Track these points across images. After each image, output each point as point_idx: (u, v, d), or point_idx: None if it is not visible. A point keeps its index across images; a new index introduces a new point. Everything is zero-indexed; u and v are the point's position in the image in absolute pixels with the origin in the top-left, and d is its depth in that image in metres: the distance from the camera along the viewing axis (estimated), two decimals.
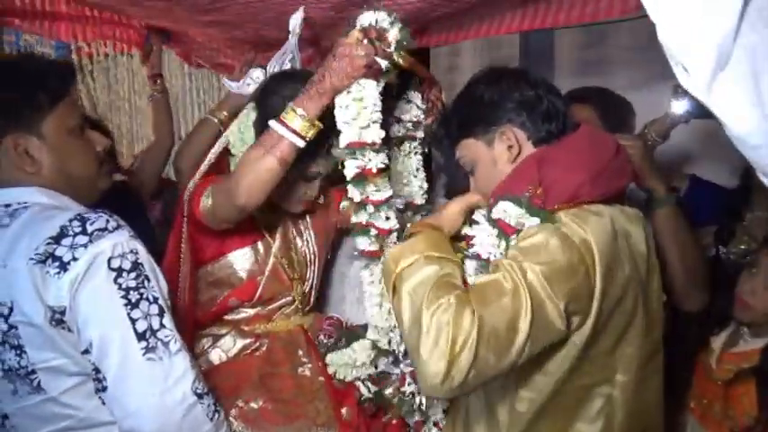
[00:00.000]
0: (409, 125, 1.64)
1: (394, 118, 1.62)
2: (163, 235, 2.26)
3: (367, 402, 1.53)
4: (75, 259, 1.11)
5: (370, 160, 1.32)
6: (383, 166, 1.34)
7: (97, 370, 1.15)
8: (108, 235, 1.14)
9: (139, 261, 1.17)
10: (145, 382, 1.14)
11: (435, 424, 1.50)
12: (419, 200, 1.69)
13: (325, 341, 1.65)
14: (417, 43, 2.16)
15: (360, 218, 1.38)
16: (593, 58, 3.02)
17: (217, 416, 1.22)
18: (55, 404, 1.18)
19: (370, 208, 1.36)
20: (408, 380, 1.43)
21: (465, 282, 1.15)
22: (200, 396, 1.19)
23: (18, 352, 1.15)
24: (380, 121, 1.33)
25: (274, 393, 1.50)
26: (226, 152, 1.60)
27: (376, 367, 1.52)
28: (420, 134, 1.67)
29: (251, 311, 1.61)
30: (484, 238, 1.18)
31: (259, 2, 1.68)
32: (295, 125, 1.29)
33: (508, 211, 1.16)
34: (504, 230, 1.15)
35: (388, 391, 1.47)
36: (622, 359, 1.19)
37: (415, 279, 1.10)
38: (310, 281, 1.69)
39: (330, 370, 1.54)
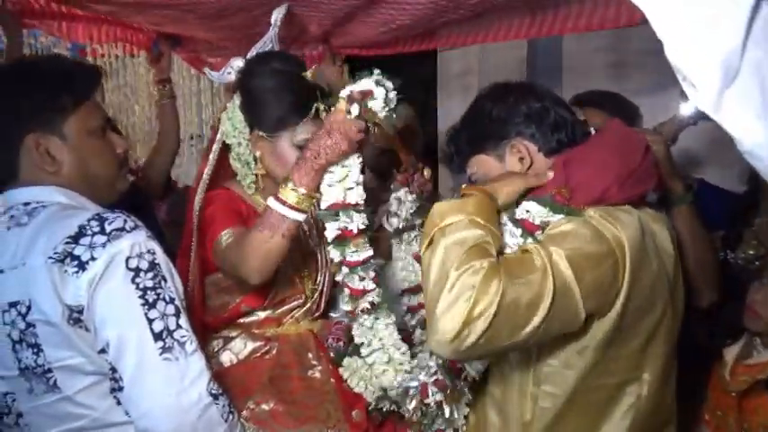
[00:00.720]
0: (408, 216, 1.68)
1: (390, 213, 1.67)
2: (169, 236, 2.29)
3: (374, 412, 1.53)
4: (93, 259, 1.13)
5: (351, 221, 1.36)
6: (364, 226, 1.37)
7: (114, 369, 1.16)
8: (126, 235, 1.16)
9: (156, 261, 1.18)
10: (161, 383, 1.15)
11: (456, 431, 1.47)
12: None
13: (334, 345, 1.66)
14: (425, 46, 2.17)
15: (339, 277, 1.42)
16: (603, 62, 3.04)
17: (231, 417, 1.23)
18: (70, 403, 1.19)
19: (345, 269, 1.39)
20: (431, 389, 1.39)
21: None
22: (215, 397, 1.20)
23: (35, 350, 1.16)
24: (362, 182, 1.37)
25: (285, 395, 1.50)
26: (226, 148, 1.63)
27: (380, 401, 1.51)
28: (419, 221, 1.70)
29: (261, 315, 1.61)
30: (508, 239, 1.19)
31: (266, 5, 1.70)
32: (294, 201, 1.34)
33: (531, 210, 1.18)
34: (528, 229, 1.17)
35: (412, 405, 1.42)
36: (651, 358, 1.21)
37: (454, 237, 1.11)
38: (320, 286, 1.70)
39: (344, 375, 1.54)
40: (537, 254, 1.09)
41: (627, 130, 1.37)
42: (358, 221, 1.36)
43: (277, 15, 1.67)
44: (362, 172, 1.40)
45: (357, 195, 1.36)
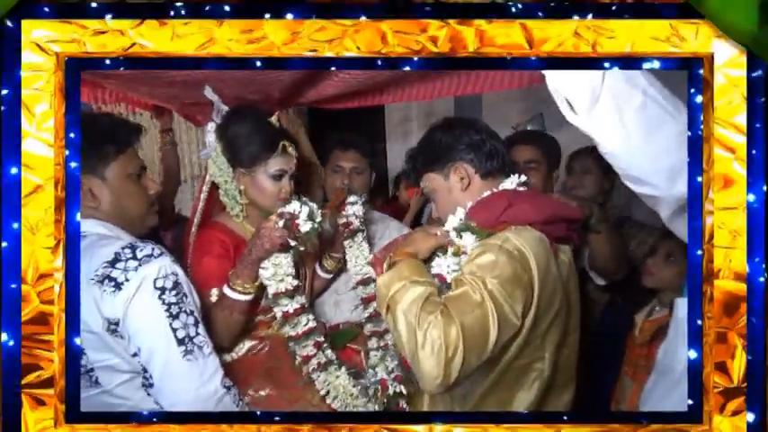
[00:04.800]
0: (357, 222, 1.91)
1: (348, 215, 1.91)
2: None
3: None
4: (127, 280, 1.23)
5: (287, 305, 1.61)
6: (299, 305, 1.63)
7: (145, 370, 1.27)
8: (154, 260, 1.26)
9: (179, 281, 1.28)
10: (185, 379, 1.26)
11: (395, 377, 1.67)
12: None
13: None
14: (369, 102, 2.35)
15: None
16: (516, 108, 3.39)
17: (242, 403, 1.35)
18: (109, 396, 1.30)
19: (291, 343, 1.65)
20: (390, 383, 1.63)
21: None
22: (228, 388, 1.32)
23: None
24: (293, 273, 1.61)
25: (278, 382, 1.66)
26: (215, 187, 1.81)
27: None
28: (363, 227, 1.94)
29: (255, 320, 1.74)
30: (443, 264, 1.36)
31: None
32: (240, 289, 1.58)
33: (441, 264, 1.37)
34: (440, 280, 1.35)
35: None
36: (549, 341, 1.36)
37: (406, 300, 1.21)
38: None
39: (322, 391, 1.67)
40: (470, 286, 1.20)
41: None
42: (291, 304, 1.62)
43: (210, 94, 1.77)
44: (297, 268, 1.64)
45: (286, 284, 1.61)
